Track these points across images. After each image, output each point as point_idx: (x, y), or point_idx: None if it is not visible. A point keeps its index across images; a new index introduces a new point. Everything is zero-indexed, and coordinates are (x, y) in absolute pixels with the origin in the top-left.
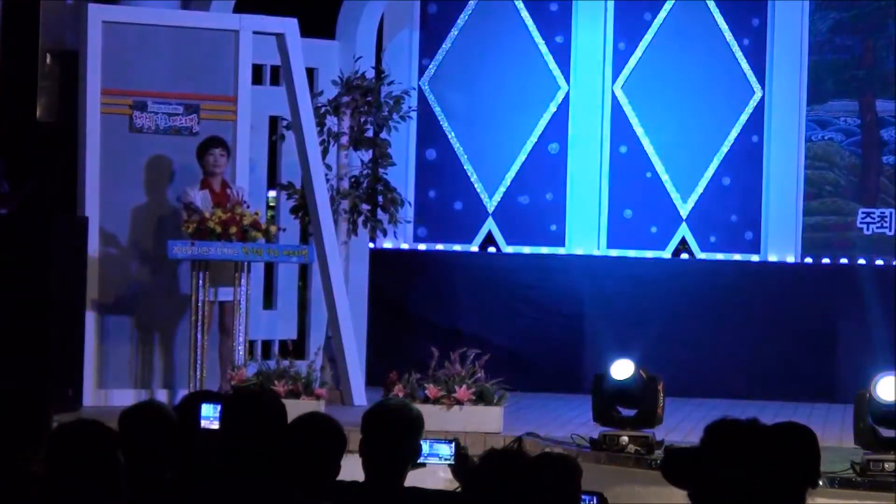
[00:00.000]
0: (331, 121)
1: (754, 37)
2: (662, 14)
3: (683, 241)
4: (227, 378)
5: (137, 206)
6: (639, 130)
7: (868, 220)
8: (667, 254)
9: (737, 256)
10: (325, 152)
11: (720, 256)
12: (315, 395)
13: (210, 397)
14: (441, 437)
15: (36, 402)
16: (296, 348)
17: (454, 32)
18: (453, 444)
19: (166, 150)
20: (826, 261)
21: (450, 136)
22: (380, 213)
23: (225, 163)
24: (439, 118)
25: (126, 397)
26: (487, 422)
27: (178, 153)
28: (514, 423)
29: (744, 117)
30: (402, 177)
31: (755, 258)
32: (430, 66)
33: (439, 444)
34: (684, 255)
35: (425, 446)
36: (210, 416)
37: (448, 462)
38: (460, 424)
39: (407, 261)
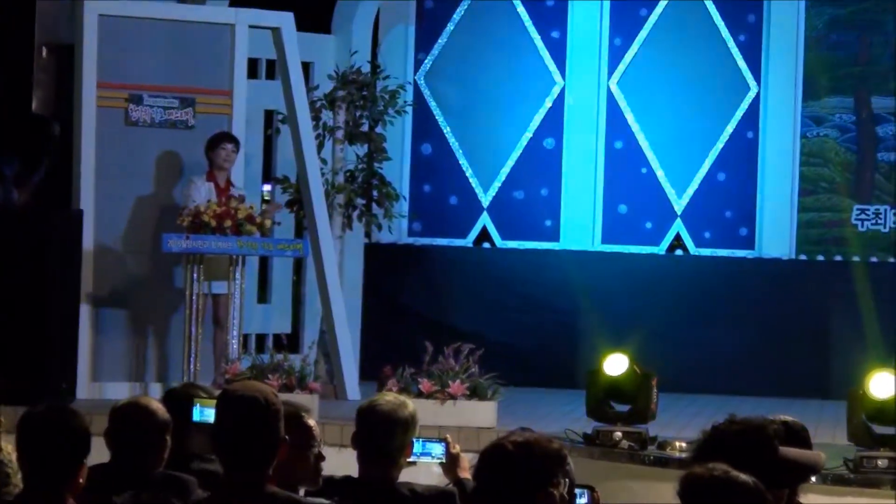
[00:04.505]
0: (326, 115)
1: (750, 33)
2: (658, 10)
3: (678, 237)
4: (221, 371)
5: (132, 200)
6: (634, 126)
7: (863, 216)
8: (661, 250)
9: (731, 252)
10: (320, 146)
11: (715, 252)
12: (309, 389)
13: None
14: (434, 432)
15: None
16: (290, 342)
17: (450, 27)
18: (444, 444)
19: (162, 143)
20: (820, 257)
21: (445, 131)
22: (375, 207)
23: (234, 159)
24: (435, 113)
25: (120, 390)
26: (481, 417)
27: (174, 147)
28: (508, 418)
29: (739, 113)
30: (398, 171)
31: (750, 254)
32: (426, 61)
33: (431, 443)
34: (679, 251)
35: (417, 445)
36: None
37: (440, 461)
38: (454, 419)
39: (401, 255)
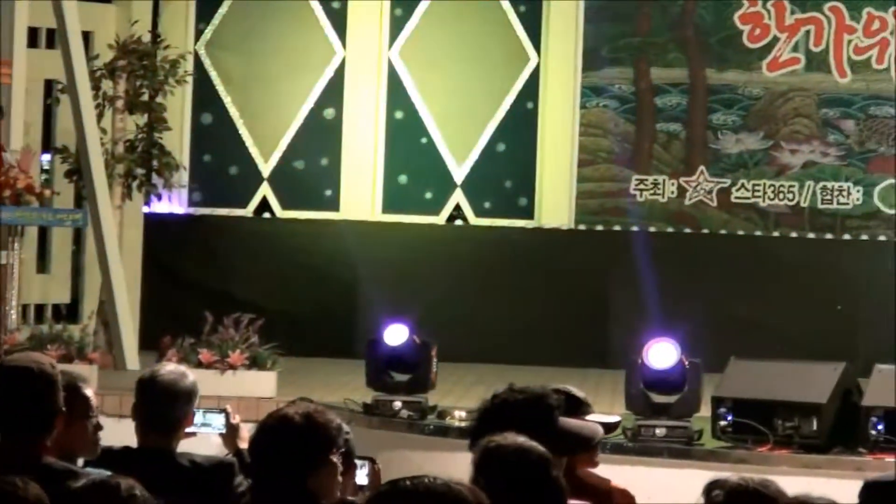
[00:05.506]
0: (106, 84)
1: (530, 4)
2: None
3: (458, 207)
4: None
5: None
6: (415, 96)
7: (641, 186)
8: (441, 219)
9: (511, 222)
10: (100, 116)
11: (494, 222)
12: (88, 359)
13: None
14: (214, 402)
15: None
16: (69, 312)
17: None
18: (224, 414)
19: None
20: (599, 227)
21: (225, 101)
22: (155, 177)
23: None
24: (215, 83)
25: None
26: (261, 387)
27: None
28: (288, 388)
29: (519, 84)
30: (178, 141)
31: (529, 224)
32: (207, 31)
33: (211, 413)
34: (459, 221)
35: (198, 416)
36: None
37: (220, 431)
38: (233, 389)
39: (181, 225)
